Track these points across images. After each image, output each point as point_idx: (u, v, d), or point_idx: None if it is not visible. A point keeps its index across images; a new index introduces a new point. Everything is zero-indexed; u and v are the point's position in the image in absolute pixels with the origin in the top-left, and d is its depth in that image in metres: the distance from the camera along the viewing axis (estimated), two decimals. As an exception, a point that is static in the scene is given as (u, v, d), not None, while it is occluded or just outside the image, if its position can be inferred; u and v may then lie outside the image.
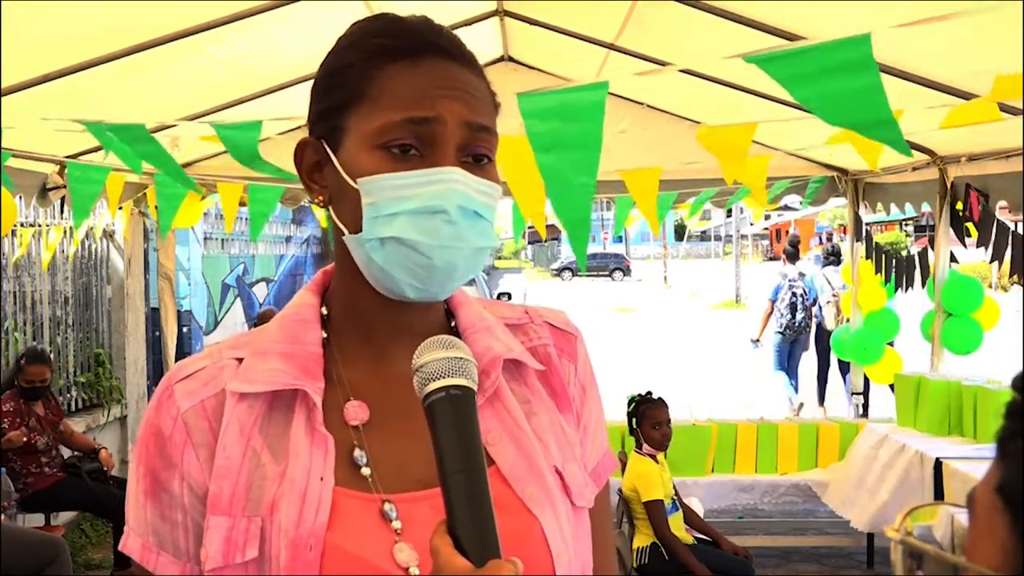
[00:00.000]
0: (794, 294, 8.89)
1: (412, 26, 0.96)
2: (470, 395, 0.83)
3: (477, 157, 0.94)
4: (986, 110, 3.03)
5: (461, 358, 0.84)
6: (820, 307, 8.87)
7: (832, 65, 2.25)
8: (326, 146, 0.96)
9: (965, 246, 5.39)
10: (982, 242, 4.70)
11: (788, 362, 9.15)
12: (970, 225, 4.88)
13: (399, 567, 0.88)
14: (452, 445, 0.80)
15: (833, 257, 9.12)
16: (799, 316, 8.87)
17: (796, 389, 9.18)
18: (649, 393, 4.52)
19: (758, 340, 9.38)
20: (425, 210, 0.90)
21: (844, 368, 8.43)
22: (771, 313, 9.10)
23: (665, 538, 4.16)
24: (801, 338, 9.07)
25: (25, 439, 4.98)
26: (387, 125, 0.91)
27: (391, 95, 0.92)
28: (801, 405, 9.08)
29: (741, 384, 12.40)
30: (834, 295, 8.63)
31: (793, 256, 9.28)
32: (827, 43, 2.27)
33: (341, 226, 0.96)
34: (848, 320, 8.22)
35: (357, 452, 0.93)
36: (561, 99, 2.59)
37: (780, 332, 9.02)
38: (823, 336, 8.79)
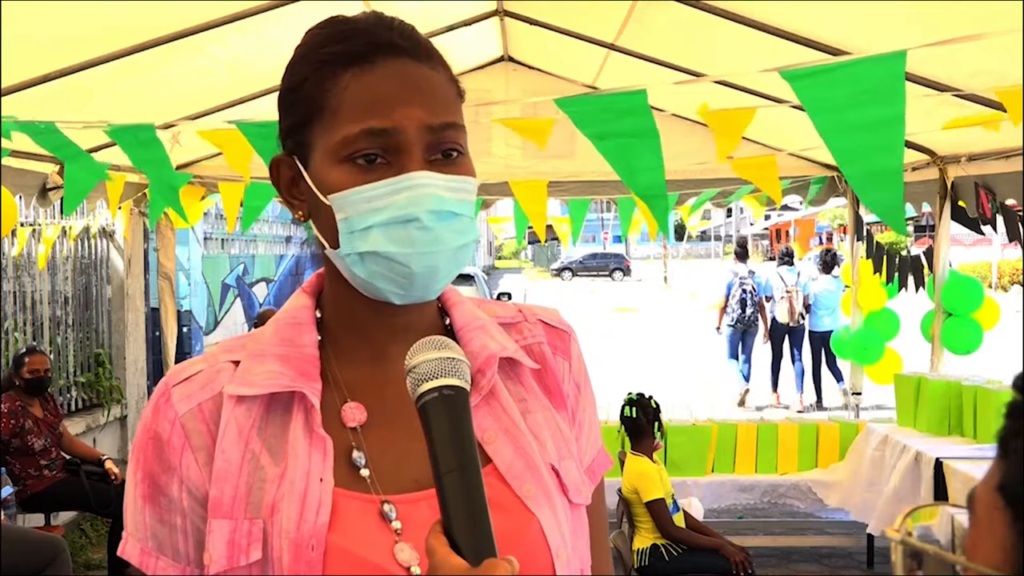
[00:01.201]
0: (744, 290, 9.99)
1: (362, 27, 0.94)
2: (463, 395, 0.83)
3: (447, 153, 0.93)
4: (992, 118, 3.04)
5: (453, 358, 0.84)
6: (775, 303, 10.06)
7: (861, 87, 2.26)
8: (297, 162, 0.96)
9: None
10: (1013, 237, 4.71)
11: (740, 351, 10.29)
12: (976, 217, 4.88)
13: (400, 567, 0.88)
14: (446, 445, 0.81)
15: (787, 257, 10.48)
16: (748, 310, 10.04)
17: (748, 376, 10.32)
18: (642, 394, 4.51)
19: (719, 328, 10.52)
20: (397, 220, 0.90)
21: (817, 357, 10.01)
22: (725, 307, 10.22)
23: (672, 535, 4.16)
24: (751, 329, 10.18)
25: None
26: (347, 138, 0.90)
27: (348, 106, 0.91)
28: (747, 391, 10.25)
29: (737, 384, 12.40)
30: (787, 291, 9.92)
31: (742, 256, 10.47)
32: (861, 59, 2.27)
33: (322, 240, 0.96)
34: (802, 316, 10.05)
35: (356, 453, 0.93)
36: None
37: (731, 325, 10.15)
38: (777, 329, 10.11)
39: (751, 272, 10.14)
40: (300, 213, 0.98)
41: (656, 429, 4.32)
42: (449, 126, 0.93)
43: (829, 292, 9.70)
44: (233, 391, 0.93)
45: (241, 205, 5.36)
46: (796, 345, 10.15)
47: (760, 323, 10.15)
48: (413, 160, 0.90)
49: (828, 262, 10.09)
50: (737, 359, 10.30)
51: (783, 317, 9.95)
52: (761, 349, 10.39)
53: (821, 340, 9.71)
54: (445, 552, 0.77)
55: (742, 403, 10.16)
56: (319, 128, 0.92)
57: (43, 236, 6.24)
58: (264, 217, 12.44)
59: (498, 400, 0.99)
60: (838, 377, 9.84)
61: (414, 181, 0.90)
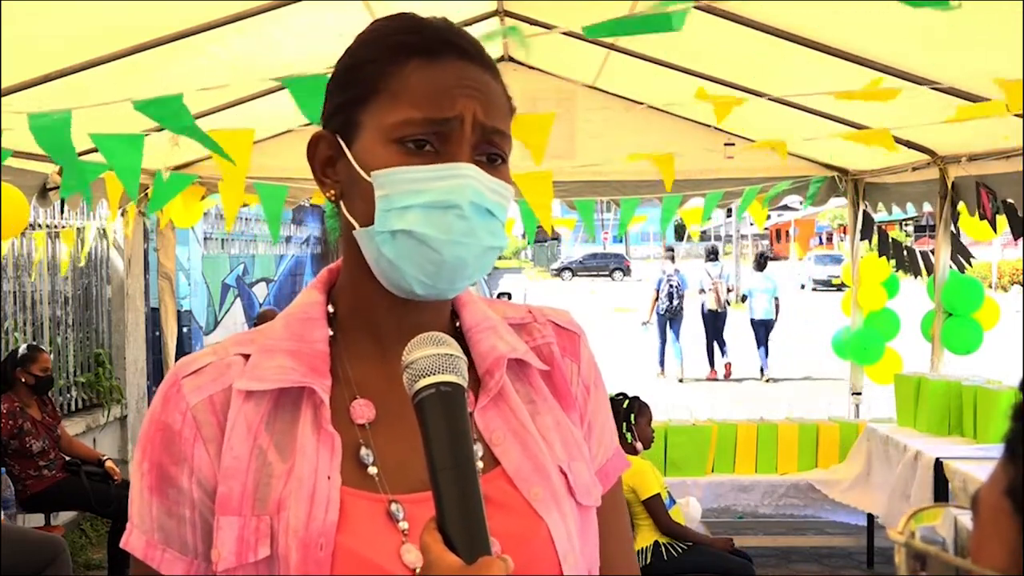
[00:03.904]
0: (671, 286, 12.62)
1: (432, 25, 0.96)
2: (460, 392, 0.82)
3: (491, 157, 0.95)
4: (992, 108, 3.04)
5: (451, 355, 0.83)
6: (705, 293, 12.60)
7: None
8: (340, 140, 0.96)
9: (969, 260, 5.40)
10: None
11: (671, 335, 12.86)
12: (983, 224, 4.87)
13: (406, 568, 0.88)
14: (442, 442, 0.80)
15: (712, 256, 13.11)
16: (675, 302, 12.59)
17: (680, 355, 12.87)
18: (623, 394, 4.51)
19: (647, 322, 13.19)
20: (438, 204, 0.90)
21: (760, 338, 12.58)
22: (656, 300, 12.75)
23: (671, 529, 4.17)
24: (676, 317, 12.71)
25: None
26: (406, 121, 0.91)
27: (410, 91, 0.92)
28: (679, 368, 12.90)
29: (739, 382, 12.42)
30: (713, 283, 12.56)
31: (671, 257, 13.29)
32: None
33: (352, 220, 0.95)
34: (727, 303, 12.80)
35: (363, 451, 0.93)
36: None
37: (661, 314, 12.72)
38: (707, 315, 12.68)
39: (676, 271, 12.85)
40: (332, 192, 0.98)
41: (626, 430, 4.32)
42: (499, 132, 0.95)
43: (762, 287, 12.53)
44: (243, 386, 0.93)
45: (244, 205, 5.35)
46: (721, 326, 12.75)
47: (684, 311, 12.74)
48: (462, 152, 0.92)
49: (761, 263, 13.03)
50: (665, 341, 12.98)
51: (711, 304, 12.53)
52: (691, 331, 13.08)
53: (759, 325, 12.56)
54: (439, 550, 0.77)
55: (681, 380, 12.80)
56: (373, 108, 0.93)
57: (53, 242, 6.23)
58: (264, 217, 12.41)
59: (507, 401, 0.98)
60: (762, 356, 12.71)
61: (461, 171, 0.91)
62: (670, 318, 12.64)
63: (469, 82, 0.93)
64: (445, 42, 0.94)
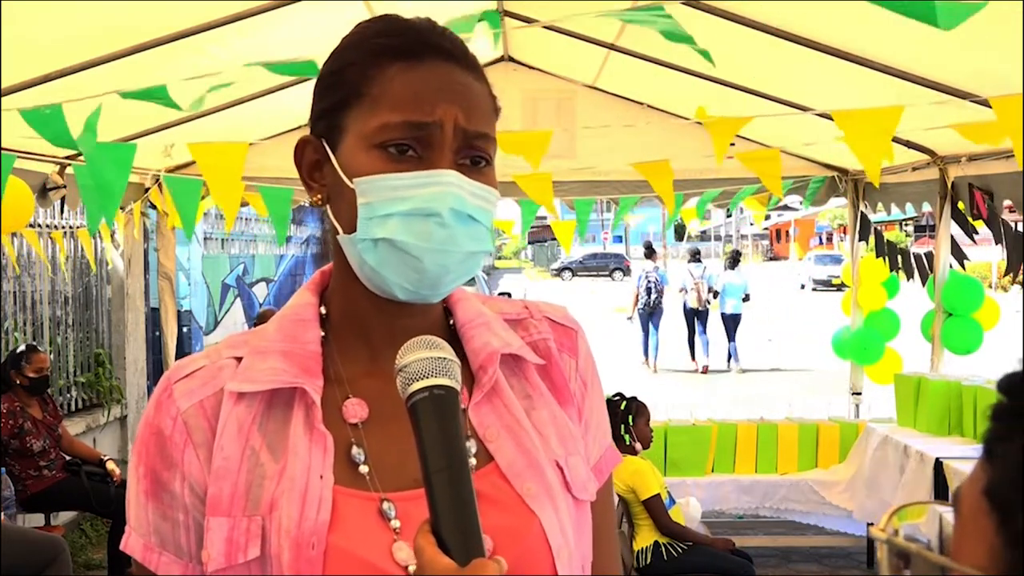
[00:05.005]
0: (649, 282, 13.61)
1: (414, 26, 0.95)
2: (453, 395, 0.83)
3: (475, 160, 0.94)
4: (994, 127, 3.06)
5: (444, 358, 0.84)
6: (687, 292, 13.51)
7: None
8: (325, 145, 0.96)
9: (975, 242, 5.39)
10: (997, 241, 4.73)
11: (649, 328, 13.77)
12: (979, 223, 4.88)
13: (398, 566, 0.88)
14: (435, 445, 0.80)
15: (695, 256, 14.02)
16: (652, 297, 13.57)
17: (656, 348, 13.82)
18: (620, 394, 4.51)
19: (630, 316, 14.25)
20: (418, 212, 0.90)
21: (730, 334, 13.51)
22: (637, 295, 13.74)
23: (671, 529, 4.17)
24: (656, 312, 13.68)
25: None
26: (385, 126, 0.91)
27: (390, 95, 0.91)
28: (645, 361, 13.81)
29: (737, 383, 12.44)
30: (695, 283, 13.46)
31: (650, 255, 14.40)
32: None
33: (337, 225, 0.95)
34: (708, 302, 13.55)
35: (355, 450, 0.93)
36: None
37: (641, 309, 13.73)
38: (688, 312, 13.63)
39: (656, 268, 13.96)
40: (318, 197, 0.98)
41: (624, 431, 4.32)
42: (482, 136, 0.94)
43: (734, 284, 13.30)
44: (235, 388, 0.93)
45: (243, 205, 5.34)
46: (703, 323, 13.59)
47: (663, 306, 13.62)
48: (443, 158, 0.91)
49: (734, 260, 13.90)
50: (647, 334, 13.80)
51: (692, 303, 13.49)
52: (670, 326, 13.93)
53: (729, 319, 13.40)
54: (433, 552, 0.77)
55: (655, 371, 13.57)
56: (356, 112, 0.93)
57: (61, 241, 6.22)
58: (264, 218, 12.41)
59: (501, 397, 0.98)
60: (732, 351, 13.58)
61: (442, 178, 0.91)
62: (650, 313, 13.60)
63: (451, 85, 0.92)
64: (427, 44, 0.93)
